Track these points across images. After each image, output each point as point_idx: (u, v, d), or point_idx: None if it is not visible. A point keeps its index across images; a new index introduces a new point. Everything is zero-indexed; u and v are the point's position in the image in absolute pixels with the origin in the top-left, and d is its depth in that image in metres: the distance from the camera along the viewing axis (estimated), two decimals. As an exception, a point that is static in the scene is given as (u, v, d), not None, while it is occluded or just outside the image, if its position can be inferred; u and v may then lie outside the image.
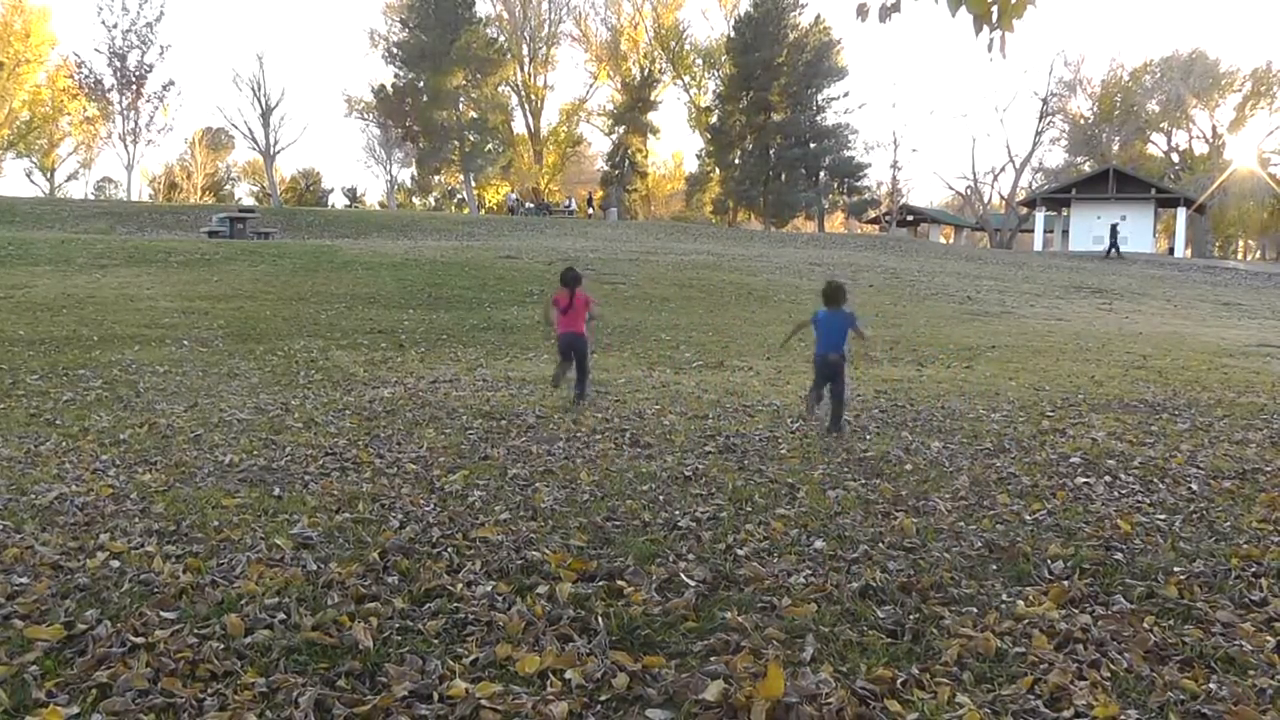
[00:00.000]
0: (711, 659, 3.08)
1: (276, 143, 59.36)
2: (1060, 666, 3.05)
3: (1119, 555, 4.14)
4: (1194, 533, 4.53)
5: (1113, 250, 39.88)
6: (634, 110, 67.13)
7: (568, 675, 2.94)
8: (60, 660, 3.04)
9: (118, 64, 55.70)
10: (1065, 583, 3.78)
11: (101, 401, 7.83)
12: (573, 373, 8.15)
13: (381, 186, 72.99)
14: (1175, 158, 67.24)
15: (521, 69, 71.53)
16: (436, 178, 70.17)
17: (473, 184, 66.14)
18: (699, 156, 69.92)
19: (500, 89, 67.56)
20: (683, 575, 3.83)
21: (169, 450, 6.05)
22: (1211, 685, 2.94)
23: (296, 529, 4.40)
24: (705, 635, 3.28)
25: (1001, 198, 64.84)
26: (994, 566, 4.03)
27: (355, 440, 6.44)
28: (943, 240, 64.37)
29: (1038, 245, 50.33)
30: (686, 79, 73.34)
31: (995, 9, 4.15)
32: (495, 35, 66.31)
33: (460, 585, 3.68)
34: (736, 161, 64.76)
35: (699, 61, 72.81)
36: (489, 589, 3.65)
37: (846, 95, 66.89)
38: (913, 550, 4.22)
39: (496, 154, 65.11)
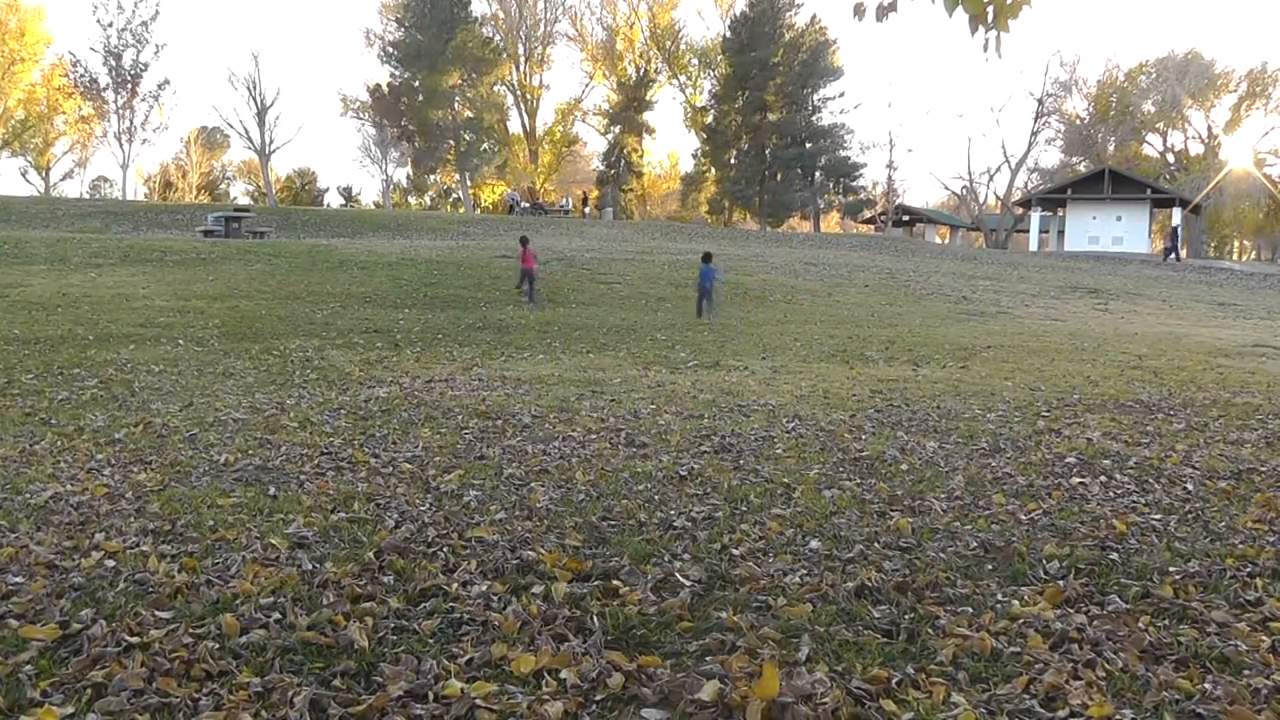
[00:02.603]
0: (707, 659, 3.08)
1: (272, 142, 59.46)
2: (1055, 666, 3.05)
3: (1114, 555, 4.15)
4: (1189, 533, 4.54)
5: (1173, 253, 40.10)
6: (629, 110, 67.14)
7: (563, 675, 2.94)
8: (55, 660, 3.03)
9: (113, 63, 55.59)
10: (1061, 583, 3.79)
11: (97, 401, 7.81)
12: (528, 290, 16.58)
13: (377, 186, 73.19)
14: (1171, 158, 67.27)
15: (517, 68, 71.54)
16: (432, 177, 70.26)
17: (468, 183, 66.13)
18: (695, 156, 70.02)
19: (496, 88, 67.56)
20: (678, 575, 3.83)
21: (164, 450, 6.04)
22: (1207, 685, 2.95)
23: (292, 528, 4.40)
24: (700, 635, 3.28)
25: (997, 198, 64.91)
26: (989, 566, 4.04)
27: (351, 440, 6.44)
28: (938, 240, 64.46)
29: (1033, 245, 50.42)
30: (682, 79, 73.40)
31: (991, 9, 4.16)
32: (491, 35, 66.31)
33: (456, 585, 3.68)
34: (732, 161, 64.83)
35: (695, 61, 72.84)
36: (484, 589, 3.65)
37: (842, 95, 66.75)
38: (908, 550, 4.22)
39: (492, 154, 65.17)
